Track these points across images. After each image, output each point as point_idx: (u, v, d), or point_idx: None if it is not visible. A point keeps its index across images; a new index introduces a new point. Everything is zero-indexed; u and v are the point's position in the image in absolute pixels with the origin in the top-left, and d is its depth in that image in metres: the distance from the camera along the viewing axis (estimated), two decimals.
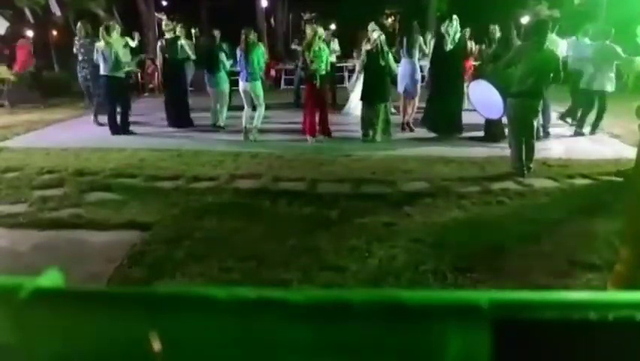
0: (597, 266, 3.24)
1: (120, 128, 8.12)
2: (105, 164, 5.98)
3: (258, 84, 7.45)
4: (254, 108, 7.58)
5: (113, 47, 7.77)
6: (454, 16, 7.48)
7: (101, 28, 7.95)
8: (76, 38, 8.89)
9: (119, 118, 8.14)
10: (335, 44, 10.08)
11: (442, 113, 7.57)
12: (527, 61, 5.21)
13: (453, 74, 7.58)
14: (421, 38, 8.08)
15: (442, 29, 7.54)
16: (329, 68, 7.75)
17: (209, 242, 3.75)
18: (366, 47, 7.35)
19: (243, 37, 7.32)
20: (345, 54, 11.95)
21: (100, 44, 7.81)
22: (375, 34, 7.17)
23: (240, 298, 0.35)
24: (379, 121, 7.21)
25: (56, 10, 14.18)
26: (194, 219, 4.26)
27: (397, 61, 8.51)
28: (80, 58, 8.78)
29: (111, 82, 7.93)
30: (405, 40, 7.97)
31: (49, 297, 0.37)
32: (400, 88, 8.08)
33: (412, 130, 8.00)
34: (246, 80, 7.36)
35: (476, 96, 6.06)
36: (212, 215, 4.32)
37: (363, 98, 7.35)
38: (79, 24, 9.00)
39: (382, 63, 7.01)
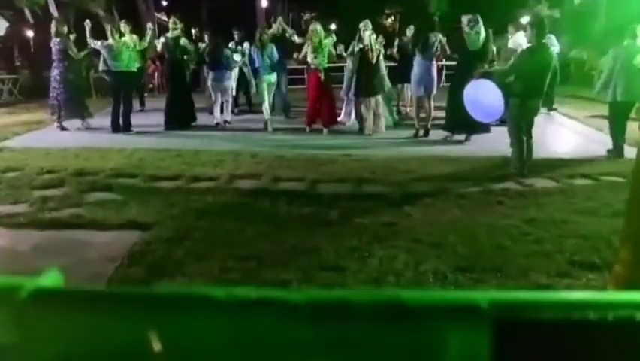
0: (597, 266, 3.24)
1: (122, 126, 8.14)
2: (105, 164, 5.98)
3: (274, 75, 8.35)
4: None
5: (120, 46, 7.88)
6: (478, 16, 6.80)
7: (109, 27, 8.07)
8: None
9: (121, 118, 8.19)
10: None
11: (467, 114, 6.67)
12: (531, 61, 5.20)
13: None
14: (441, 37, 7.52)
15: (467, 29, 6.83)
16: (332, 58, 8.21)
17: (209, 242, 3.75)
18: (359, 45, 7.55)
19: (258, 35, 8.12)
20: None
21: (108, 42, 7.91)
22: (367, 33, 7.42)
23: (239, 298, 0.35)
24: (370, 114, 7.60)
25: (54, 12, 14.19)
26: (194, 219, 4.26)
27: (396, 60, 8.52)
28: (54, 58, 8.22)
29: (116, 80, 8.02)
30: (421, 39, 7.52)
31: (49, 297, 0.37)
32: (417, 91, 7.58)
33: (426, 135, 7.57)
34: (266, 74, 8.15)
35: (471, 99, 5.94)
36: (212, 215, 4.32)
37: (355, 94, 7.77)
38: (52, 23, 8.41)
39: (373, 61, 7.52)
